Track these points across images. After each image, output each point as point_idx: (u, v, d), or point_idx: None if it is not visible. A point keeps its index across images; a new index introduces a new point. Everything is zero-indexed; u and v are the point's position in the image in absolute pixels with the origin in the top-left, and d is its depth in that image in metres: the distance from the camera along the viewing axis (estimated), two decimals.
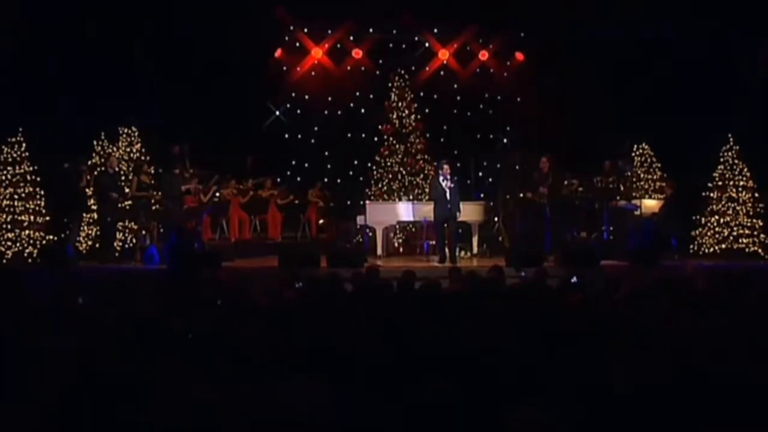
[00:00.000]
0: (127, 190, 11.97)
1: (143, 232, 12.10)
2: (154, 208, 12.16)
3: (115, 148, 12.59)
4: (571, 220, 12.89)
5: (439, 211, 11.05)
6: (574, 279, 6.66)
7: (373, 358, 3.26)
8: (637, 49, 13.94)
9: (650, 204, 12.78)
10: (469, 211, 12.11)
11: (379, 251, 11.94)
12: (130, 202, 11.95)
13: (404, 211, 12.08)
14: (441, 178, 11.04)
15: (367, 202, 12.47)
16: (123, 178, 12.25)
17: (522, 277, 8.56)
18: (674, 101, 13.62)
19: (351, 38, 15.63)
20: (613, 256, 11.01)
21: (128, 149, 12.69)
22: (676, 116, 13.47)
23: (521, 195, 13.18)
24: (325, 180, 15.24)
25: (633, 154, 13.78)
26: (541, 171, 12.25)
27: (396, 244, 13.64)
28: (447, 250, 11.09)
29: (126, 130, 12.77)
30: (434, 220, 11.16)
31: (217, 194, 13.23)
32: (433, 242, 11.96)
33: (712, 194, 12.73)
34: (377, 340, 3.72)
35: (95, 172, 11.92)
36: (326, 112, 15.58)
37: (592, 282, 6.44)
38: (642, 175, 13.70)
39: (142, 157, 12.68)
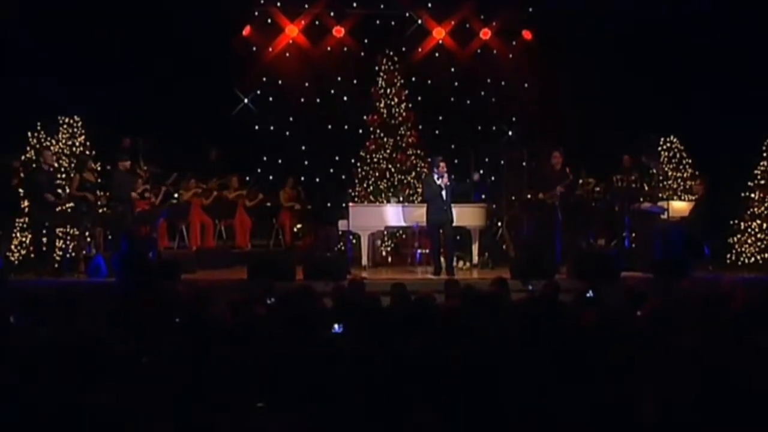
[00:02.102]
0: (67, 190, 11.90)
1: (87, 239, 12.03)
2: (100, 211, 12.10)
3: (53, 141, 12.51)
4: (586, 225, 12.94)
5: (433, 213, 11.07)
6: (589, 293, 6.67)
7: (355, 385, 3.26)
8: (667, 28, 14.01)
9: (679, 206, 12.83)
10: (468, 215, 12.12)
11: (365, 261, 11.94)
12: (71, 204, 11.88)
13: (393, 214, 12.08)
14: (436, 176, 11.06)
15: (351, 204, 12.46)
16: (63, 176, 12.18)
17: (529, 291, 8.57)
18: (708, 87, 13.69)
19: (331, 14, 15.66)
20: (636, 266, 11.05)
21: (70, 142, 12.62)
22: (709, 105, 13.55)
23: (529, 196, 13.22)
24: (302, 178, 15.22)
25: (659, 149, 13.86)
26: (552, 168, 12.30)
27: (384, 253, 13.64)
28: (442, 259, 11.10)
29: (67, 120, 12.70)
30: (427, 224, 11.17)
31: (176, 195, 13.17)
32: (427, 251, 11.95)
33: (752, 195, 12.79)
34: (361, 363, 3.71)
35: (29, 169, 11.85)
36: (302, 99, 15.57)
37: (610, 297, 6.46)
38: (669, 173, 13.76)
39: (86, 152, 12.61)
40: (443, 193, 10.99)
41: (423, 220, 11.35)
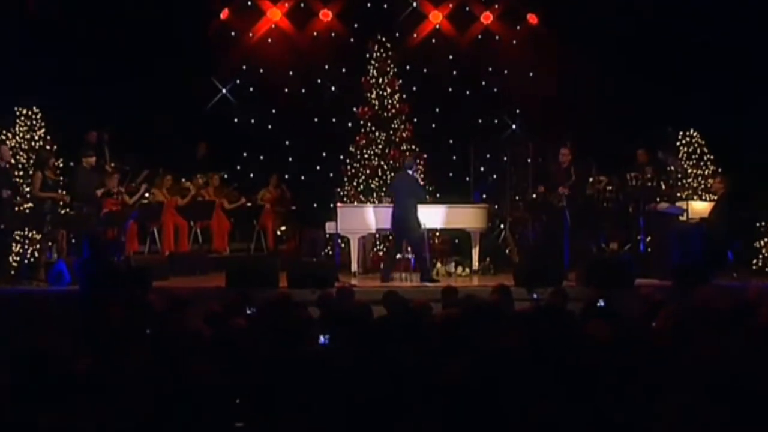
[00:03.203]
0: (26, 189, 11.82)
1: (48, 243, 11.97)
2: (63, 212, 12.04)
3: (9, 135, 12.44)
4: (597, 228, 12.94)
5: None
6: (600, 303, 6.68)
7: (343, 403, 3.25)
8: (687, 9, 13.98)
9: (700, 207, 12.83)
10: (468, 217, 12.11)
11: (354, 267, 11.92)
12: (30, 205, 11.83)
13: (385, 216, 12.05)
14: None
15: (339, 204, 12.43)
16: (21, 173, 12.11)
17: (534, 299, 8.57)
18: (728, 77, 13.72)
19: None
20: (652, 272, 11.04)
21: (28, 136, 12.54)
22: (732, 96, 13.57)
23: (534, 195, 13.20)
24: (286, 176, 15.21)
25: (677, 144, 13.87)
26: (560, 165, 12.29)
27: (375, 259, 13.62)
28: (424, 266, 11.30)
29: (25, 112, 12.63)
30: (417, 228, 11.25)
31: (147, 194, 13.13)
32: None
33: None
34: (349, 379, 3.70)
35: None
36: (286, 90, 15.56)
37: (623, 306, 6.46)
38: (689, 170, 13.77)
39: (47, 147, 12.54)
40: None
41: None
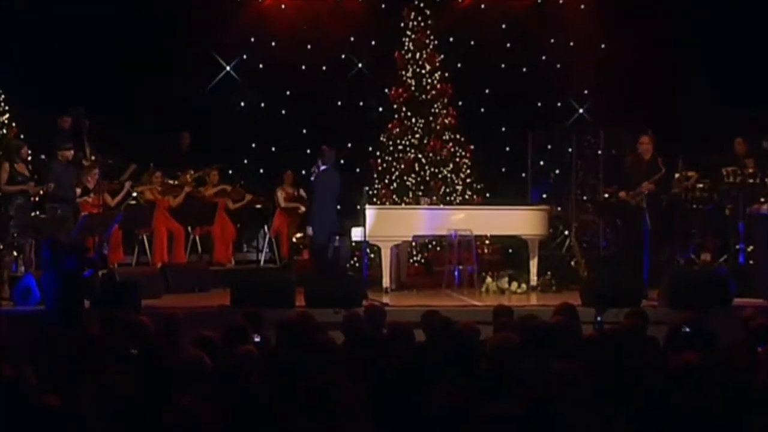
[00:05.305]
0: None
1: (14, 252, 12.07)
2: (33, 214, 12.14)
3: None
4: (685, 235, 12.85)
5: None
6: (687, 328, 6.59)
7: None
8: None
9: None
10: (524, 221, 12.04)
11: (386, 282, 11.91)
12: None
13: (423, 220, 12.05)
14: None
15: (368, 206, 12.43)
16: None
17: (598, 323, 8.51)
18: None
19: None
20: (755, 290, 10.94)
21: None
22: None
23: (606, 195, 13.11)
24: (303, 172, 15.23)
25: None
26: (639, 157, 12.20)
27: (411, 272, 13.60)
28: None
29: None
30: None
31: (134, 193, 13.20)
32: (463, 267, 11.94)
33: None
34: (381, 420, 3.69)
35: None
36: (303, 67, 15.60)
37: (719, 331, 6.38)
38: None
39: (15, 135, 12.66)
40: None
41: (463, 226, 11.38)
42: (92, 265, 10.97)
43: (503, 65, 15.80)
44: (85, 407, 3.90)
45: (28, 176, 12.07)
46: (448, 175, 13.96)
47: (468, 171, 14.09)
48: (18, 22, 13.29)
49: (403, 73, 14.24)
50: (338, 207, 12.46)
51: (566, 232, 13.90)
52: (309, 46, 15.60)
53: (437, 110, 14.16)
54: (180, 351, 5.55)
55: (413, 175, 13.95)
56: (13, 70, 12.85)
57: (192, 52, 14.85)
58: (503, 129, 15.34)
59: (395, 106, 14.23)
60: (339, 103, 15.55)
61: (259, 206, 14.77)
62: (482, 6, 15.84)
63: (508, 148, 15.47)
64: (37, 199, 12.06)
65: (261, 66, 15.66)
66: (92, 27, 13.69)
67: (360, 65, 15.55)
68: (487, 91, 15.63)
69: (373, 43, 15.44)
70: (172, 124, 14.33)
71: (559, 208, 13.97)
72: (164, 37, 14.01)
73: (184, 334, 6.54)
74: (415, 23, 14.33)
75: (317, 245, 12.29)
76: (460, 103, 14.51)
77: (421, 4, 14.41)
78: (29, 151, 12.45)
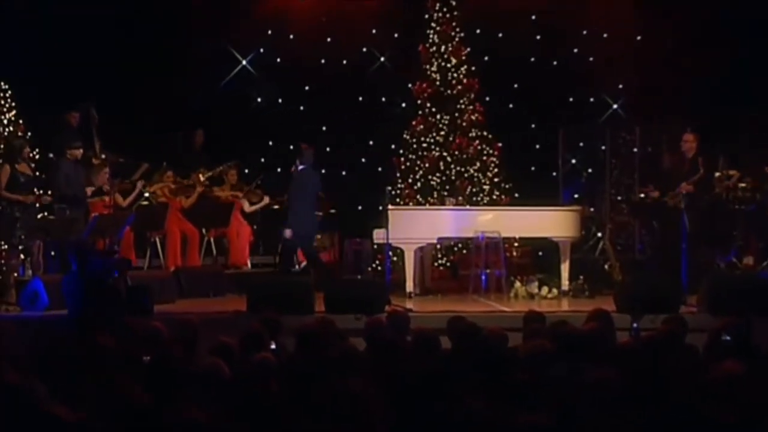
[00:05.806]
0: None
1: (21, 256, 12.12)
2: (40, 216, 12.18)
3: None
4: (726, 237, 12.79)
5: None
6: (727, 336, 6.55)
7: None
8: None
9: None
10: (554, 223, 12.03)
11: (410, 286, 11.91)
12: None
13: (450, 221, 12.04)
14: None
15: (390, 207, 12.43)
16: None
17: (635, 330, 8.48)
18: None
19: None
20: None
21: None
22: None
23: (642, 195, 13.07)
24: (323, 171, 15.23)
25: None
26: (682, 156, 12.13)
27: (436, 276, 13.59)
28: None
29: None
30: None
31: (146, 194, 13.25)
32: (499, 272, 11.91)
33: None
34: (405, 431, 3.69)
35: None
36: (323, 60, 15.63)
37: (762, 340, 6.33)
38: None
39: (19, 134, 12.72)
40: None
41: (490, 227, 11.37)
42: (120, 267, 11.04)
43: (533, 59, 15.80)
44: (94, 418, 3.91)
45: (31, 176, 12.08)
46: (475, 174, 13.95)
47: (495, 170, 14.07)
48: (18, 22, 13.36)
49: (428, 67, 14.24)
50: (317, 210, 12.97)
51: (599, 234, 13.86)
52: (329, 39, 15.65)
53: (463, 106, 14.16)
54: (197, 358, 5.55)
55: (438, 175, 13.94)
56: (14, 70, 12.90)
57: (206, 47, 14.87)
58: (533, 126, 15.33)
59: (419, 102, 14.24)
60: (360, 98, 15.56)
61: (276, 207, 14.77)
62: None
63: (537, 146, 15.44)
64: (39, 205, 12.10)
65: (278, 60, 15.68)
66: (92, 27, 13.77)
67: (382, 59, 15.57)
68: (515, 85, 15.63)
69: (396, 35, 15.46)
70: (182, 121, 14.49)
71: (591, 209, 13.94)
72: (176, 31, 14.03)
73: (198, 342, 6.55)
74: (440, 14, 14.33)
75: (287, 248, 12.58)
76: (487, 98, 14.49)
77: None
78: (34, 151, 12.52)
